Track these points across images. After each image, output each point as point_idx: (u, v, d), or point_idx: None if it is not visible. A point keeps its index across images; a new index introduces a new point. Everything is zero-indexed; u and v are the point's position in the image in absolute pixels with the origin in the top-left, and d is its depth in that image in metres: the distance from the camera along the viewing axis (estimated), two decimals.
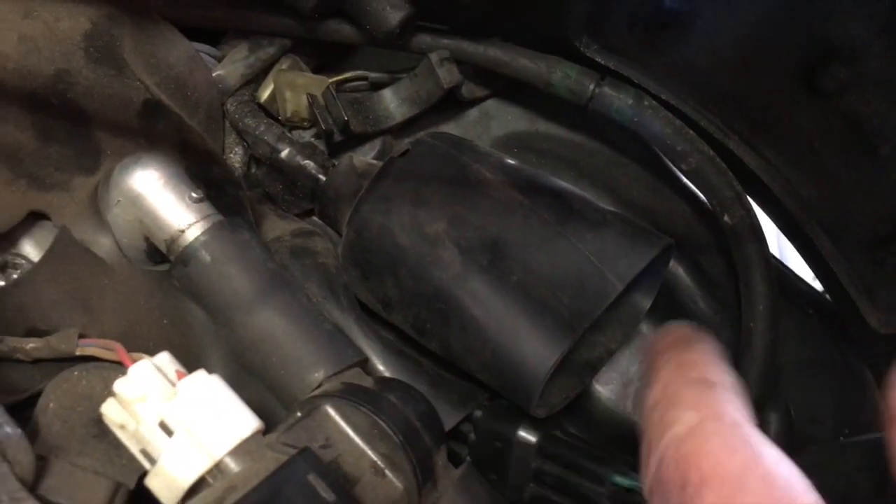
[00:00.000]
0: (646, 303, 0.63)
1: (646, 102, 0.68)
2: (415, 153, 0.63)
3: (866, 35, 0.60)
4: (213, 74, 0.67)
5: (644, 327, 0.72)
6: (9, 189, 0.52)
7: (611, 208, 0.61)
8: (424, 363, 0.61)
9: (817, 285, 0.80)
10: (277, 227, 0.66)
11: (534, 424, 0.56)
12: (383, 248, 0.59)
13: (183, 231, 0.54)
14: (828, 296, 0.78)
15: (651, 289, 0.64)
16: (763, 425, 0.67)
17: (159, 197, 0.54)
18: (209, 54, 0.69)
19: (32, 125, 0.54)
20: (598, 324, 0.64)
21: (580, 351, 0.63)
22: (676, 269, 0.74)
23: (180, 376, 0.46)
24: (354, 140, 0.71)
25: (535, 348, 0.53)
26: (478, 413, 0.59)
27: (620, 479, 0.51)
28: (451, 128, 0.77)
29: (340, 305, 0.62)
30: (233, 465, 0.43)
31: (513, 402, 0.57)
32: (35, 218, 0.54)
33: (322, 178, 0.66)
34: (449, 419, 0.58)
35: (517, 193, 0.59)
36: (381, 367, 0.61)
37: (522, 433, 0.56)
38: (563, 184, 0.62)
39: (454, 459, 0.60)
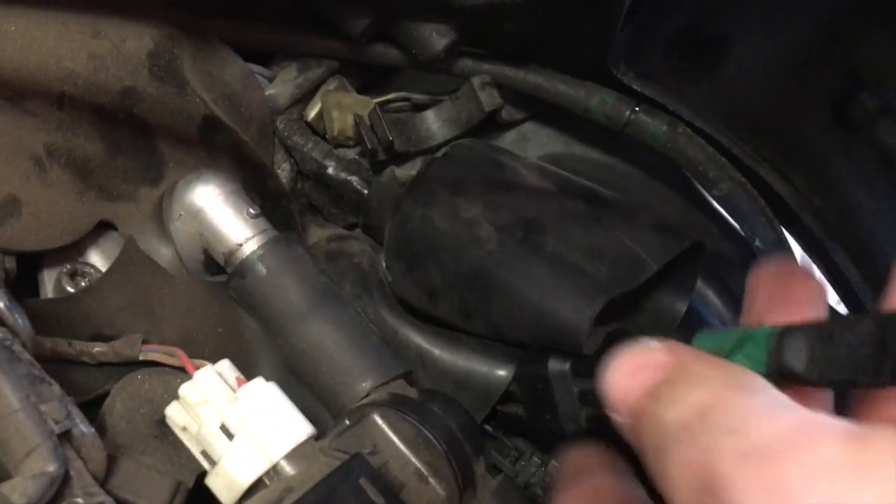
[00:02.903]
0: (681, 307, 0.66)
1: (679, 129, 0.70)
2: (453, 154, 0.67)
3: (895, 67, 0.62)
4: (265, 93, 0.70)
5: None
6: (80, 200, 0.55)
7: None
8: (463, 337, 0.63)
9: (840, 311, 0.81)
10: (315, 234, 0.69)
11: (560, 355, 0.57)
12: (425, 235, 0.63)
13: (241, 245, 0.57)
14: None
15: (685, 293, 0.66)
16: None
17: (219, 212, 0.57)
18: (261, 74, 0.72)
19: (101, 138, 0.57)
20: (637, 321, 0.66)
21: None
22: (706, 290, 0.76)
23: (240, 383, 0.49)
24: (397, 159, 0.74)
25: (574, 302, 0.55)
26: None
27: None
28: None
29: (374, 300, 0.64)
30: (288, 468, 0.46)
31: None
32: (101, 229, 0.57)
33: (367, 192, 0.69)
34: (501, 376, 0.60)
35: (552, 186, 0.63)
36: (422, 343, 0.63)
37: (552, 364, 0.57)
38: (596, 186, 0.66)
39: (511, 425, 0.62)
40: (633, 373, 0.33)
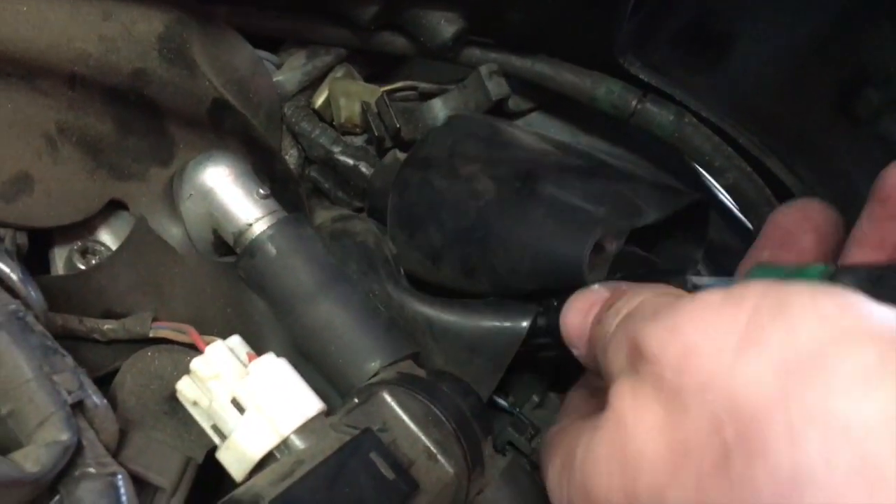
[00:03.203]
0: (697, 253, 0.66)
1: (686, 119, 0.71)
2: (451, 123, 0.68)
3: None
4: (273, 80, 0.71)
5: None
6: (91, 178, 0.55)
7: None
8: (471, 301, 0.62)
9: None
10: (320, 216, 0.69)
11: None
12: (424, 197, 0.62)
13: (250, 225, 0.57)
14: None
15: (699, 242, 0.66)
16: None
17: (229, 192, 0.58)
18: (269, 61, 0.72)
19: (112, 119, 0.57)
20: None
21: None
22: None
23: (251, 358, 0.49)
24: (403, 147, 0.74)
25: (572, 237, 0.54)
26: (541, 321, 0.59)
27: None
28: None
29: (380, 277, 0.64)
30: (299, 443, 0.46)
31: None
32: (112, 208, 0.58)
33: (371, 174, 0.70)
34: (514, 332, 0.58)
35: (550, 147, 0.63)
36: (430, 312, 0.62)
37: None
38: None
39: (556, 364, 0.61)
40: (584, 312, 0.41)
